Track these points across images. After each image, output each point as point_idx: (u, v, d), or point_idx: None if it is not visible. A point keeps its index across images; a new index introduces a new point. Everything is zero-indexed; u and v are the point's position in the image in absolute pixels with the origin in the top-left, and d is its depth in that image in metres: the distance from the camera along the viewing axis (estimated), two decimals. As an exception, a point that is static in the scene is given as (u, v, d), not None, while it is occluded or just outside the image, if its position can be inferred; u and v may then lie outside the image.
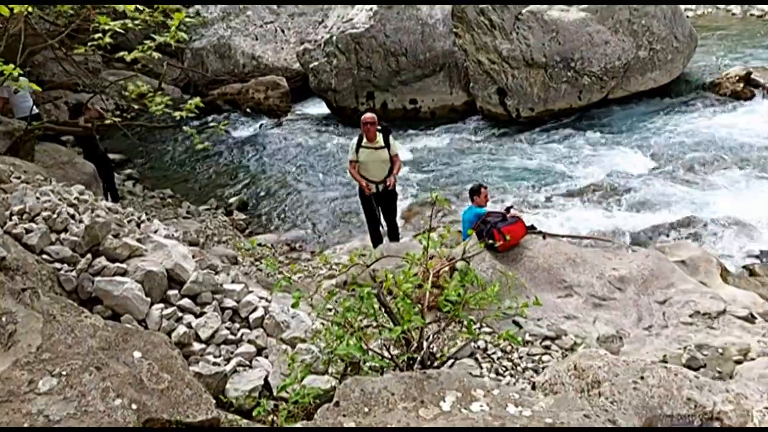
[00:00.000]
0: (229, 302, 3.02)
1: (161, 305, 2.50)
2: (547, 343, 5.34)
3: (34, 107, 8.75)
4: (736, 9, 18.21)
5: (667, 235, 7.55)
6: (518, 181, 9.73)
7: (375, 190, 7.05)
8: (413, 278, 5.98)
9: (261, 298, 3.41)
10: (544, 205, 8.77)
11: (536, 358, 5.13)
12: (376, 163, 6.97)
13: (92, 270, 1.90)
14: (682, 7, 15.95)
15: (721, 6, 18.71)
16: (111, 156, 11.00)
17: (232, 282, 2.44)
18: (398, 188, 7.48)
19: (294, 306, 2.96)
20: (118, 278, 2.18)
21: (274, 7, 16.31)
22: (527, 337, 5.42)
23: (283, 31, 16.15)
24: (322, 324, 5.43)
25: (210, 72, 15.36)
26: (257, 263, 8.10)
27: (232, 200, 10.15)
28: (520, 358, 5.14)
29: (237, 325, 3.16)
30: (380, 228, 7.25)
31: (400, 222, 8.13)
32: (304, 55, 14.08)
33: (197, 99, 4.80)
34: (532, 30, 11.66)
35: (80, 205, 2.29)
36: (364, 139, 6.96)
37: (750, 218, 7.76)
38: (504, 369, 5.00)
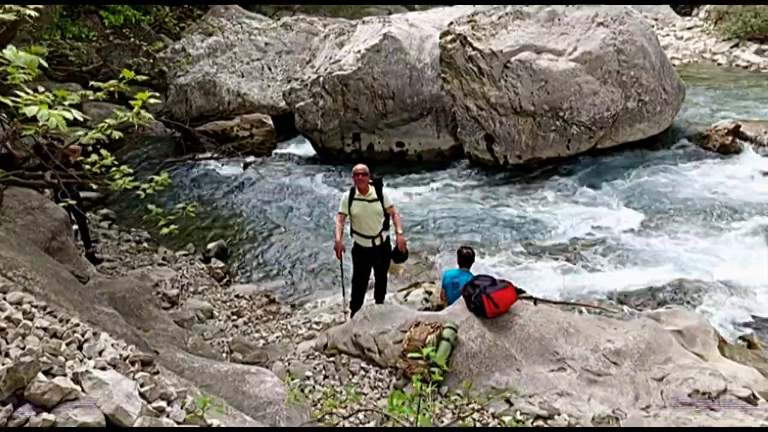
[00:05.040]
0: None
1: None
2: (540, 423, 5.02)
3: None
4: (721, 59, 18.41)
5: (661, 300, 7.31)
6: (506, 234, 9.49)
7: (370, 245, 6.74)
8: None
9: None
10: (531, 262, 8.51)
11: (528, 442, 4.79)
12: (371, 216, 6.68)
13: (14, 423, 1.56)
14: (669, 56, 16.08)
15: (707, 56, 18.93)
16: (86, 195, 10.63)
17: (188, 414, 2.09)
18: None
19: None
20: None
21: (262, 44, 16.16)
22: (518, 416, 5.09)
23: (269, 69, 15.97)
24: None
25: (194, 108, 15.09)
26: (233, 317, 7.74)
27: (210, 246, 9.78)
28: (511, 441, 4.81)
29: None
30: (365, 290, 6.91)
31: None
32: (290, 95, 13.88)
33: (165, 175, 4.47)
34: (520, 78, 11.57)
35: (9, 329, 1.95)
36: (357, 192, 6.68)
37: (744, 282, 7.57)
38: (494, 455, 4.67)
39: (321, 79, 13.10)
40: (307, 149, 14.34)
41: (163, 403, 1.86)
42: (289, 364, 6.04)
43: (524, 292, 6.40)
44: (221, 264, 9.37)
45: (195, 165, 13.35)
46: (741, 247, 8.46)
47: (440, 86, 12.81)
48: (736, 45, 18.88)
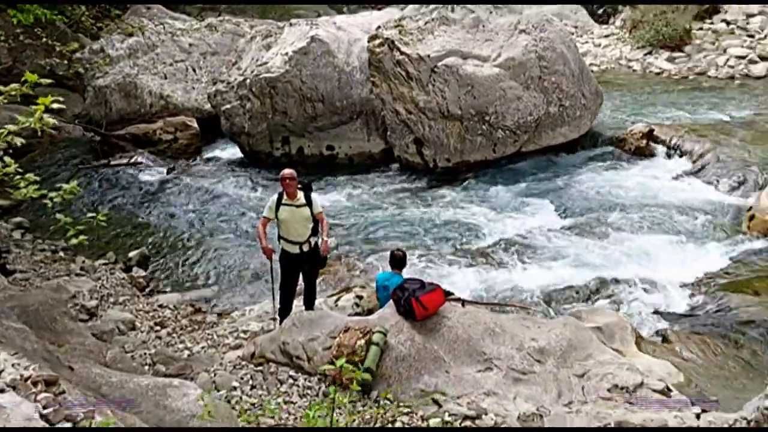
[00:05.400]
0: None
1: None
2: (468, 423, 5.09)
3: None
4: (636, 66, 19.33)
5: (582, 298, 7.58)
6: (435, 237, 9.60)
7: (297, 251, 6.65)
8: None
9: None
10: (460, 263, 8.64)
11: (456, 442, 4.85)
12: (299, 222, 6.59)
13: None
14: (588, 63, 16.75)
15: (623, 63, 19.83)
16: (-2, 202, 10.04)
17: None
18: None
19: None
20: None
21: (186, 45, 15.71)
22: (446, 417, 5.14)
23: (194, 70, 15.54)
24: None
25: (114, 111, 14.49)
26: (157, 328, 7.46)
27: (132, 254, 9.39)
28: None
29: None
30: (293, 297, 6.81)
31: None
32: (216, 97, 13.55)
33: (74, 183, 4.25)
34: (448, 83, 11.75)
35: None
36: (285, 197, 6.58)
37: (659, 278, 7.94)
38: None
39: (248, 81, 12.86)
40: (234, 153, 14.04)
41: (69, 425, 1.75)
42: (215, 375, 5.87)
43: (453, 294, 6.49)
44: (143, 273, 9.03)
45: (116, 170, 12.82)
46: (655, 245, 8.88)
47: (369, 90, 12.83)
48: (650, 53, 19.87)
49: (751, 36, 19.26)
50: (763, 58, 17.62)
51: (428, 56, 11.80)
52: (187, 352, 6.72)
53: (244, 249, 9.57)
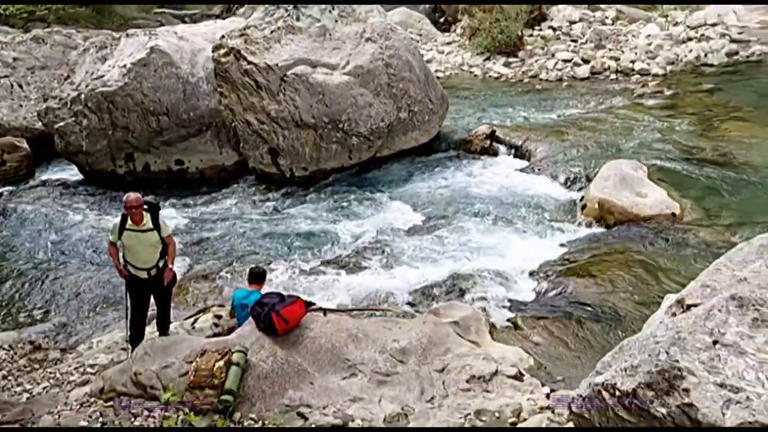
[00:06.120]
0: None
1: None
2: (335, 432, 5.07)
3: None
4: (477, 71, 20.49)
5: (439, 294, 7.86)
6: (294, 247, 9.53)
7: (146, 276, 6.26)
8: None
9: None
10: (321, 272, 8.64)
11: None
12: (145, 247, 6.19)
13: None
14: (433, 69, 17.51)
15: (465, 68, 20.94)
16: None
17: None
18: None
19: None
20: None
21: (9, 60, 14.30)
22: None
23: (21, 87, 14.21)
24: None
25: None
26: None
27: (-47, 294, 8.36)
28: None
29: None
30: (145, 324, 6.42)
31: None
32: (47, 114, 12.46)
33: None
34: (298, 92, 11.71)
35: None
36: (129, 221, 6.15)
37: (507, 269, 8.44)
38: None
39: (83, 96, 11.96)
40: (72, 173, 13.00)
41: None
42: (59, 416, 5.37)
43: (314, 304, 6.44)
44: (-30, 313, 8.07)
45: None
46: (504, 238, 9.44)
47: (218, 100, 12.46)
48: (488, 58, 21.16)
49: (574, 41, 21.18)
50: (585, 61, 19.41)
51: (277, 65, 11.68)
52: (26, 395, 6.10)
53: (89, 276, 8.87)
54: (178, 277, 8.44)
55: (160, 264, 6.29)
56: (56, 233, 10.38)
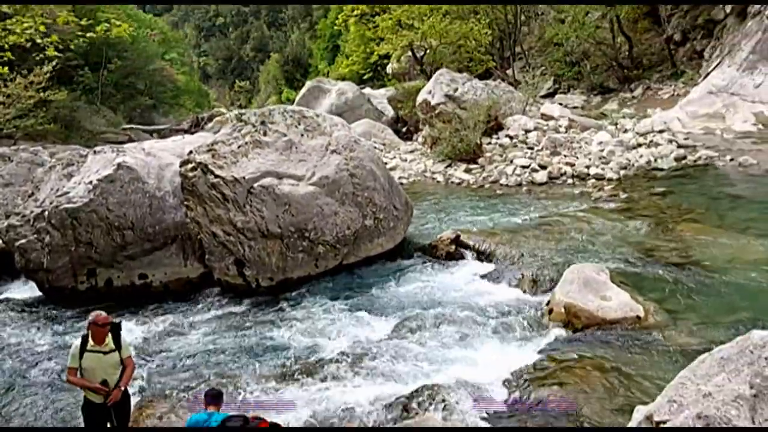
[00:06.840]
0: None
1: None
2: None
3: None
4: (439, 177, 21.17)
5: (412, 408, 7.62)
6: (260, 362, 9.23)
7: (104, 400, 5.98)
8: None
9: None
10: (287, 388, 8.35)
11: None
12: (106, 369, 6.00)
13: None
14: (397, 176, 18.02)
15: (428, 175, 21.62)
16: None
17: None
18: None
19: None
20: None
21: (-28, 175, 14.29)
22: None
23: (-18, 203, 14.08)
24: None
25: None
26: None
27: None
28: None
29: None
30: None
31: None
32: (8, 232, 12.29)
33: None
34: (265, 203, 11.86)
35: None
36: (90, 342, 5.96)
37: (479, 379, 8.28)
38: None
39: (46, 213, 11.90)
40: (32, 292, 12.66)
41: None
42: None
43: (279, 425, 6.19)
44: None
45: None
46: (472, 345, 9.35)
47: (184, 213, 12.50)
48: (449, 165, 21.96)
49: (531, 148, 22.20)
50: (542, 167, 20.25)
51: (244, 178, 11.90)
52: None
53: (44, 403, 8.39)
54: (137, 398, 8.12)
55: (122, 387, 6.06)
56: (11, 357, 9.92)
